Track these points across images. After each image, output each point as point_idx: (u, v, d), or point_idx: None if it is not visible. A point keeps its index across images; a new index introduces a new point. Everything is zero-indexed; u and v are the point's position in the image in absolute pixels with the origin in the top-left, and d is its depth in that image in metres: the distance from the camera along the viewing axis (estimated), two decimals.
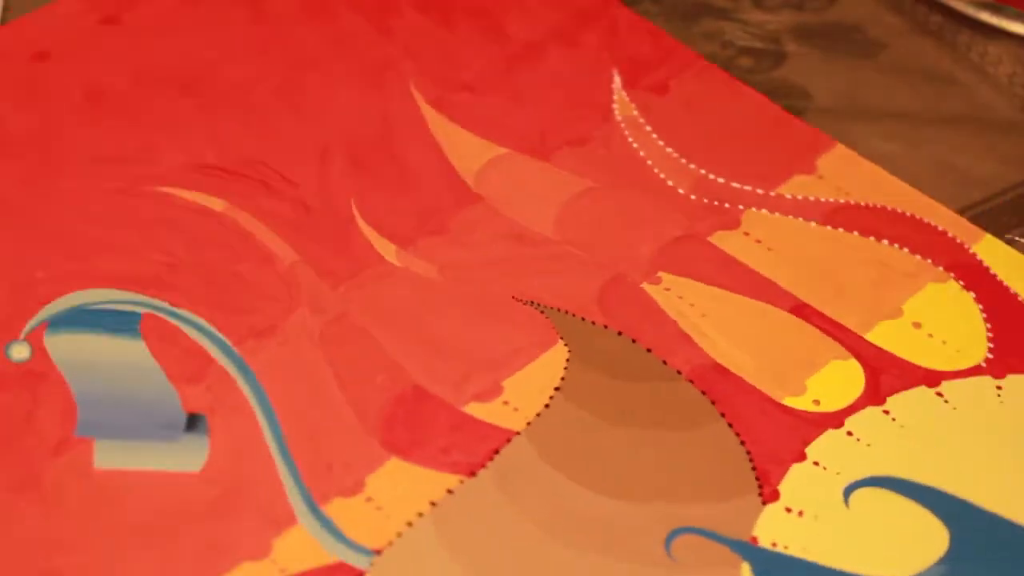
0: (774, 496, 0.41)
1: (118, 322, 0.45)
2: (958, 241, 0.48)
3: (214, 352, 0.44)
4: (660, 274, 0.47)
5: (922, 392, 0.44)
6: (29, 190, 0.48)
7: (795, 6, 0.56)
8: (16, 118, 0.50)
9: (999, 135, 0.52)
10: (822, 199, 0.49)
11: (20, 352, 0.44)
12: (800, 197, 0.49)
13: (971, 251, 0.47)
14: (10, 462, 0.41)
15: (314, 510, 0.41)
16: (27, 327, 0.44)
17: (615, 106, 0.52)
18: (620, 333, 0.45)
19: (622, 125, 0.52)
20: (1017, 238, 0.48)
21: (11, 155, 0.49)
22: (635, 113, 0.52)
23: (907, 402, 0.43)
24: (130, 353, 0.44)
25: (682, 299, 0.46)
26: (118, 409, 0.43)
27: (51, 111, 0.51)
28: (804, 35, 0.56)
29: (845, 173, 0.50)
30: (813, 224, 0.48)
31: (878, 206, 0.49)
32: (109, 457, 0.42)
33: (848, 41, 0.56)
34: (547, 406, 0.43)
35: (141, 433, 0.42)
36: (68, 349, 0.44)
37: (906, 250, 0.47)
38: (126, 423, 0.42)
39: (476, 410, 0.43)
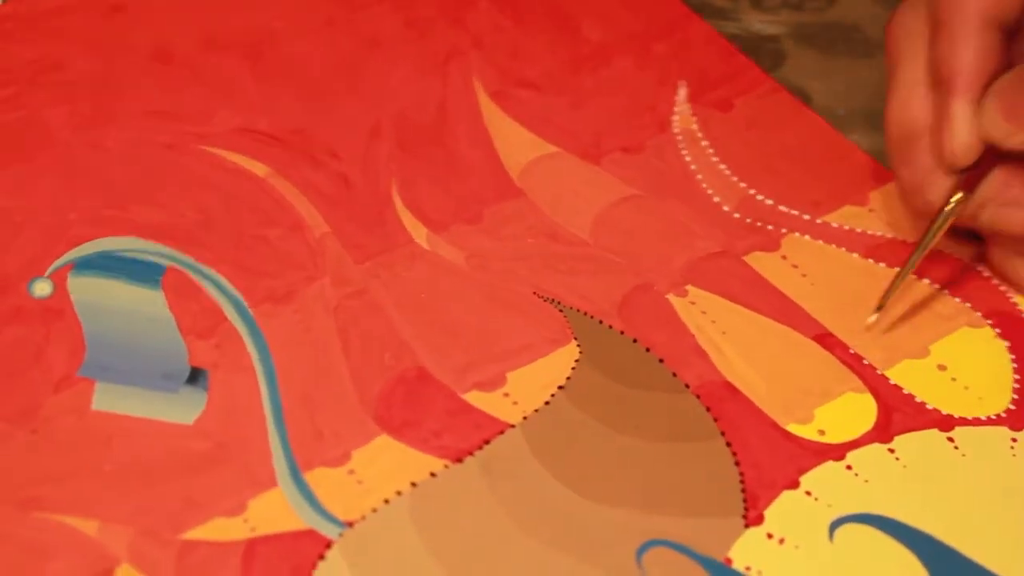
0: (758, 520, 0.40)
1: (141, 272, 0.45)
2: (1001, 289, 0.46)
3: (229, 311, 0.44)
4: (688, 287, 0.46)
5: (933, 435, 0.42)
6: (81, 135, 0.49)
7: (794, 6, 0.55)
8: (82, 64, 0.51)
9: None
10: (869, 232, 0.48)
11: (42, 289, 0.44)
12: (847, 227, 0.48)
13: (1013, 300, 0.46)
14: (12, 392, 0.42)
15: (295, 476, 0.41)
16: (53, 266, 0.45)
17: (675, 118, 0.52)
18: (635, 340, 0.44)
19: (679, 137, 0.51)
20: None
21: (71, 98, 0.50)
22: (694, 127, 0.51)
23: (915, 443, 0.42)
24: (147, 303, 0.44)
25: (705, 314, 0.45)
26: (125, 355, 0.43)
27: (116, 62, 0.52)
28: (803, 35, 0.54)
29: (898, 208, 0.48)
30: (855, 256, 0.47)
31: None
32: (107, 400, 0.42)
33: (848, 41, 0.55)
34: (547, 403, 0.43)
35: (142, 380, 0.42)
36: (89, 291, 0.44)
37: (946, 292, 0.46)
38: (130, 369, 0.43)
39: (475, 398, 0.43)
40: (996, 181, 0.44)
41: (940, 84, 0.44)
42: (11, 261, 0.45)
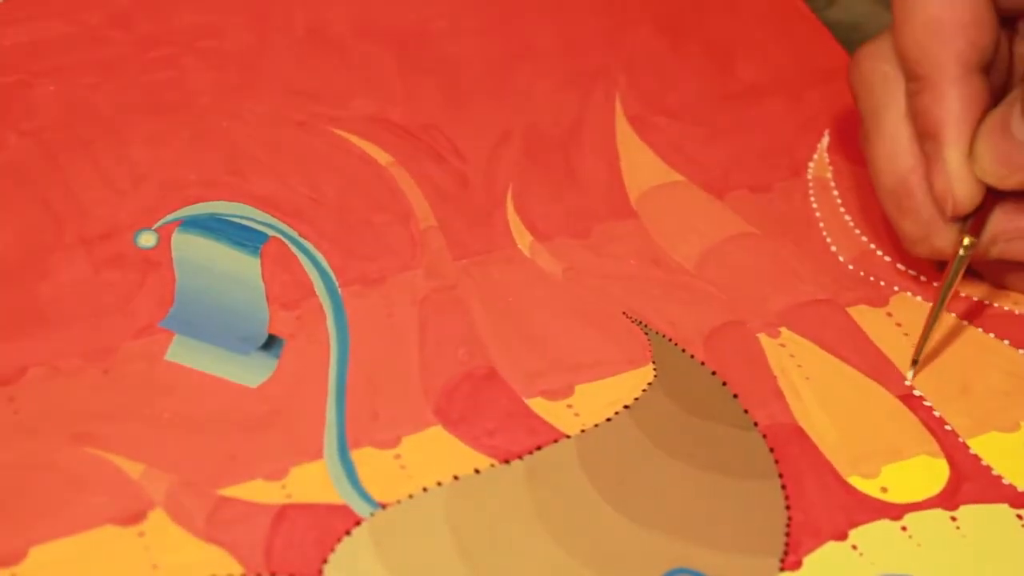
0: (795, 565, 0.38)
1: (244, 237, 0.46)
2: None
3: (318, 287, 0.45)
4: (781, 328, 0.45)
5: (1002, 510, 0.40)
6: (220, 102, 0.50)
7: None
8: (238, 35, 0.53)
9: None
10: (986, 302, 0.46)
11: (147, 240, 0.46)
12: (963, 295, 0.46)
13: None
14: (94, 331, 0.43)
15: (342, 451, 0.41)
16: (162, 220, 0.46)
17: (811, 164, 0.50)
18: (714, 373, 0.43)
19: (810, 184, 0.50)
20: None
21: (219, 66, 0.51)
22: (828, 175, 0.50)
23: (981, 515, 0.40)
24: (243, 267, 0.45)
25: (793, 357, 0.44)
26: (209, 313, 0.44)
27: (270, 37, 0.53)
28: None
29: None
30: (964, 323, 0.45)
31: None
32: (181, 352, 0.43)
33: (848, 41, 0.54)
34: (609, 420, 0.42)
35: (219, 339, 0.43)
36: (190, 248, 0.46)
37: None
38: (210, 327, 0.43)
39: (538, 405, 0.42)
40: (1001, 217, 0.43)
41: (928, 136, 0.43)
42: (125, 209, 0.46)
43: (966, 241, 0.43)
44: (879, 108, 0.45)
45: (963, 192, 0.43)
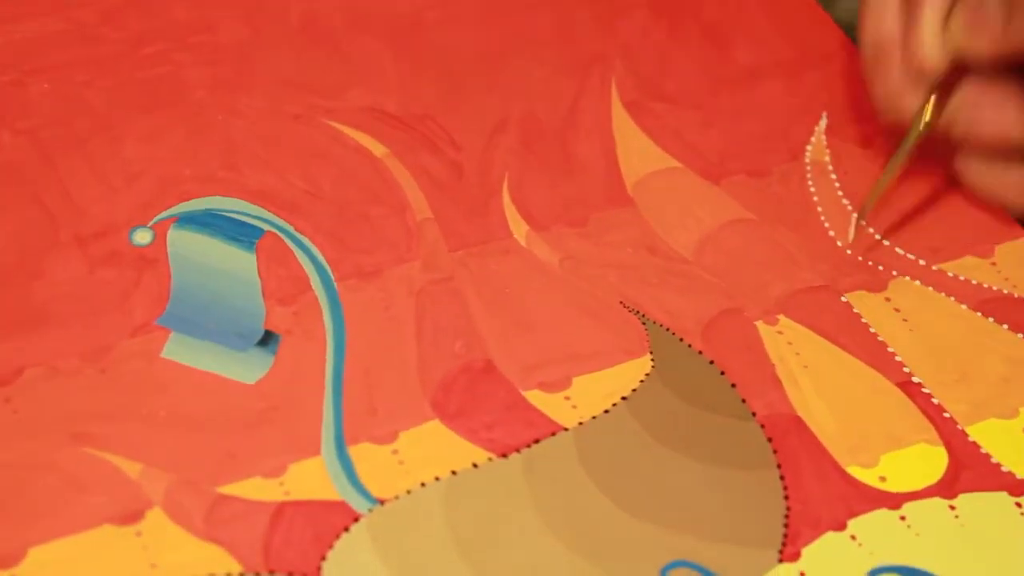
0: (794, 556, 0.38)
1: (240, 232, 0.46)
2: None
3: (314, 281, 0.45)
4: (779, 316, 0.45)
5: (1001, 498, 0.40)
6: (215, 96, 0.50)
7: None
8: (231, 30, 0.52)
9: None
10: (985, 285, 0.46)
11: (143, 237, 0.46)
12: (962, 278, 0.46)
13: None
14: (90, 330, 0.43)
15: (339, 448, 0.41)
16: (158, 217, 0.46)
17: (809, 147, 0.50)
18: (712, 362, 0.43)
19: (808, 167, 0.49)
20: None
21: (213, 61, 0.51)
22: (826, 159, 0.50)
23: (980, 503, 0.40)
24: (239, 263, 0.45)
25: (791, 345, 0.44)
26: (205, 310, 0.44)
27: (264, 31, 0.53)
28: None
29: (1021, 266, 0.46)
30: (963, 307, 0.45)
31: None
32: (177, 350, 0.43)
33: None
34: (607, 411, 0.42)
35: (215, 336, 0.43)
36: (186, 245, 0.45)
37: None
38: (206, 323, 0.43)
39: (535, 397, 0.42)
40: (967, 94, 0.44)
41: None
42: (120, 206, 0.46)
43: (928, 111, 0.45)
44: None
45: (931, 52, 0.44)
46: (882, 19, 0.46)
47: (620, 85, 0.52)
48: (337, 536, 0.39)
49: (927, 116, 0.44)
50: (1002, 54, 0.44)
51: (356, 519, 0.39)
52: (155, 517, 0.39)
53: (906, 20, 0.45)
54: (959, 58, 0.44)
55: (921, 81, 0.45)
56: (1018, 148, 0.45)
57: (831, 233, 0.47)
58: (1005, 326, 0.44)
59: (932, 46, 0.44)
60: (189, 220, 0.46)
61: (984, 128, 0.45)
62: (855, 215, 0.45)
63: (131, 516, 0.39)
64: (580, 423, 0.41)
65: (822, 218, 0.48)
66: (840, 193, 0.49)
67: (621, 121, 0.51)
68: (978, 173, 0.47)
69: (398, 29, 0.53)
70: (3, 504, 0.39)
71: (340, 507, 0.39)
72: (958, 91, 0.45)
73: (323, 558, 0.38)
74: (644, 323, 0.44)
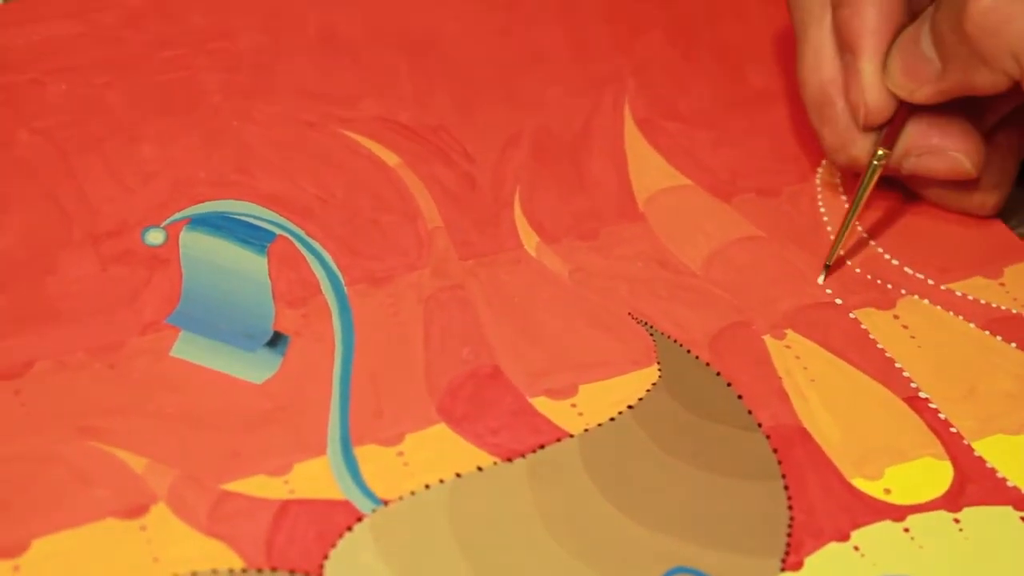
0: (796, 566, 0.38)
1: (252, 235, 0.46)
2: None
3: (324, 286, 0.45)
4: (787, 331, 0.45)
5: (1006, 512, 0.40)
6: (231, 102, 0.50)
7: None
8: (250, 37, 0.53)
9: None
10: (993, 304, 0.46)
11: (155, 237, 0.46)
12: (971, 297, 0.46)
13: None
14: (101, 327, 0.43)
15: (345, 448, 0.41)
16: (171, 218, 0.46)
17: (820, 169, 0.50)
18: (718, 374, 0.43)
19: (818, 188, 0.50)
20: None
21: (231, 67, 0.52)
22: (837, 181, 0.50)
23: (985, 517, 0.40)
24: (250, 265, 0.45)
25: (798, 359, 0.44)
26: (215, 310, 0.44)
27: (282, 39, 0.53)
28: None
29: None
30: (972, 326, 0.45)
31: None
32: (186, 349, 0.43)
33: None
34: (612, 419, 0.42)
35: (225, 336, 0.43)
36: (198, 247, 0.46)
37: None
38: (215, 323, 0.44)
39: (542, 404, 0.42)
40: (913, 132, 0.46)
41: (847, 48, 0.46)
42: (134, 207, 0.47)
43: (879, 152, 0.46)
44: (807, 21, 0.47)
45: (874, 102, 0.45)
46: (820, 67, 0.47)
47: (633, 104, 0.52)
48: (340, 535, 0.39)
49: (878, 160, 0.46)
50: (942, 95, 0.45)
51: (360, 519, 0.39)
52: (159, 512, 0.39)
53: (844, 66, 0.46)
54: (904, 101, 0.45)
55: (869, 128, 0.46)
56: (968, 178, 0.46)
57: (841, 252, 0.47)
58: (1013, 344, 0.44)
59: (875, 94, 0.45)
60: (202, 222, 0.46)
61: (933, 163, 0.46)
62: (825, 265, 0.46)
63: (136, 510, 0.39)
64: (586, 430, 0.42)
65: (832, 237, 0.48)
66: None
67: (633, 139, 0.51)
68: (939, 197, 0.48)
69: (415, 42, 0.54)
70: (9, 495, 0.39)
71: (344, 507, 0.39)
72: (905, 128, 0.46)
73: (326, 557, 0.38)
74: (652, 334, 0.44)
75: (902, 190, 0.49)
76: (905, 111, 0.46)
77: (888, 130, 0.46)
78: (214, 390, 0.42)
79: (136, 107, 0.50)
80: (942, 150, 0.46)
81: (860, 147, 0.46)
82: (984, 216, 0.48)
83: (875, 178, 0.46)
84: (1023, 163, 0.49)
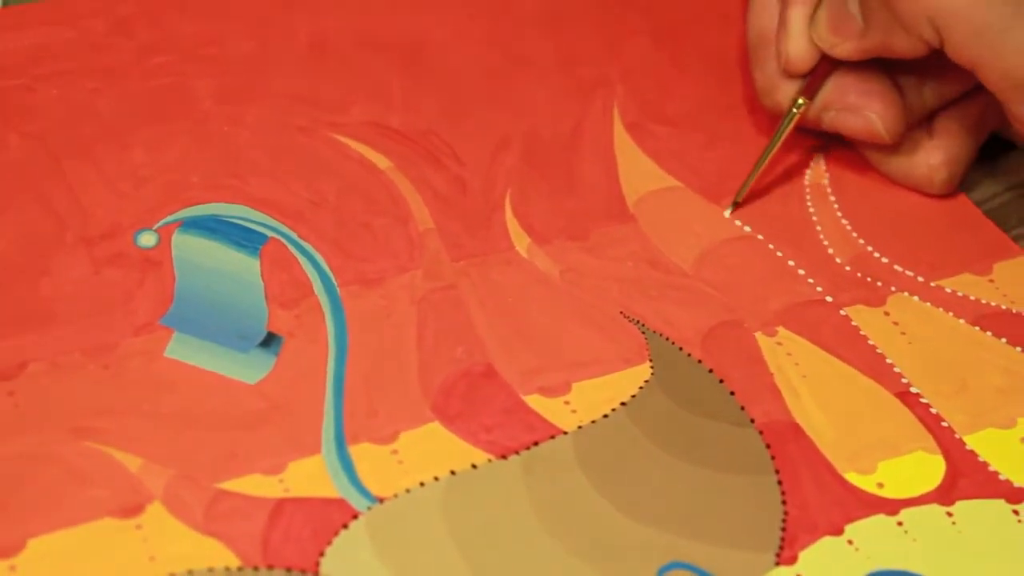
0: (791, 560, 0.38)
1: (244, 238, 0.46)
2: None
3: (317, 287, 0.45)
4: (778, 328, 0.45)
5: (998, 505, 0.40)
6: (222, 107, 0.51)
7: None
8: (239, 44, 0.53)
9: None
10: (983, 301, 0.46)
11: (148, 240, 0.46)
12: (960, 294, 0.46)
13: None
14: (95, 328, 0.43)
15: (340, 447, 0.41)
16: (163, 220, 0.47)
17: (808, 171, 0.51)
18: (711, 370, 0.43)
19: (807, 189, 0.50)
20: None
21: (221, 73, 0.52)
22: (825, 182, 0.50)
23: (977, 510, 0.40)
24: (242, 267, 0.45)
25: (790, 356, 0.44)
26: (208, 311, 0.44)
27: (272, 46, 0.53)
28: None
29: (1019, 283, 0.47)
30: (962, 322, 0.45)
31: None
32: (180, 350, 0.43)
33: None
34: (606, 416, 0.42)
35: (218, 337, 0.43)
36: (190, 249, 0.46)
37: None
38: (209, 324, 0.44)
39: (535, 402, 0.42)
40: (834, 88, 0.48)
41: None
42: (126, 210, 0.47)
43: (799, 100, 0.48)
44: None
45: (796, 51, 0.48)
46: (763, 13, 0.49)
47: (622, 108, 0.53)
48: (336, 533, 0.39)
49: (797, 108, 0.48)
50: (863, 53, 0.47)
51: (355, 516, 0.39)
52: (155, 511, 0.39)
53: (780, 15, 0.49)
54: (826, 54, 0.47)
55: (790, 75, 0.48)
56: (881, 142, 0.48)
57: (830, 251, 0.48)
58: (1003, 339, 0.45)
59: (798, 45, 0.48)
60: (194, 224, 0.47)
61: (849, 120, 0.48)
62: (734, 202, 0.49)
63: (132, 509, 0.39)
64: (579, 427, 0.42)
65: (821, 236, 0.48)
66: (839, 214, 0.49)
67: (623, 142, 0.51)
68: (884, 165, 0.50)
69: (404, 48, 0.54)
70: (4, 495, 0.39)
71: (339, 504, 0.40)
72: (828, 84, 0.48)
73: (321, 554, 0.38)
74: (644, 332, 0.45)
75: (890, 190, 0.50)
76: (828, 65, 0.48)
77: (810, 81, 0.48)
78: (208, 390, 0.42)
79: (127, 112, 0.50)
80: (858, 109, 0.48)
81: (784, 93, 0.49)
82: (934, 194, 0.50)
83: (791, 124, 0.48)
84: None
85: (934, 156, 0.49)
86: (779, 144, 0.48)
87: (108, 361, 0.42)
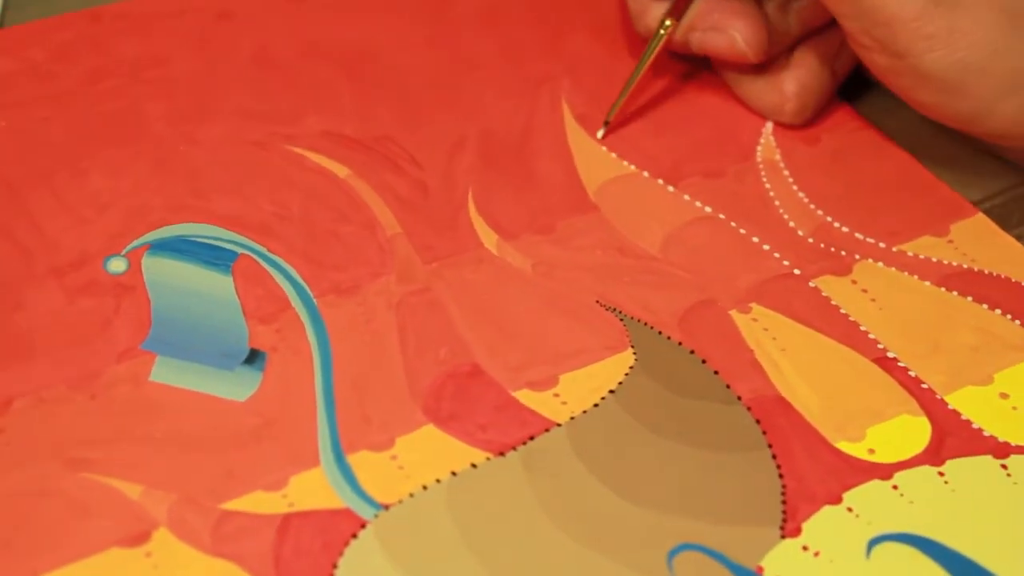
0: (795, 532, 0.39)
1: (214, 256, 0.46)
2: None
3: (293, 299, 0.45)
4: (752, 304, 0.46)
5: (986, 461, 0.41)
6: (175, 128, 0.50)
7: None
8: (185, 63, 0.53)
9: None
10: (945, 261, 0.47)
11: (117, 266, 0.46)
12: (922, 256, 0.48)
13: None
14: (77, 359, 0.43)
15: (338, 457, 0.41)
16: (131, 245, 0.46)
17: (759, 148, 0.52)
18: (693, 352, 0.44)
19: (760, 166, 0.51)
20: None
21: (170, 94, 0.52)
22: (777, 157, 0.51)
23: (967, 468, 0.41)
24: (216, 285, 0.45)
25: (767, 331, 0.45)
26: (188, 332, 0.44)
27: (218, 64, 0.53)
28: None
29: (977, 241, 0.48)
30: (927, 284, 0.47)
31: (1002, 276, 0.47)
32: (165, 373, 0.43)
33: None
34: (596, 405, 0.43)
35: (202, 357, 0.43)
36: (161, 271, 0.46)
37: (1017, 322, 0.45)
38: (191, 346, 0.44)
39: (525, 396, 0.43)
40: (700, 10, 0.50)
41: None
42: (93, 238, 0.46)
43: (666, 22, 0.50)
44: None
45: None
46: None
47: (570, 101, 0.53)
48: (346, 543, 0.39)
49: (664, 29, 0.50)
50: None
51: (363, 525, 0.39)
52: (162, 537, 0.39)
53: None
54: None
55: None
56: (744, 60, 0.50)
57: (791, 224, 0.49)
58: (969, 298, 0.46)
59: None
60: (162, 247, 0.46)
61: (713, 40, 0.50)
62: (604, 122, 0.51)
63: (138, 537, 0.39)
64: (572, 418, 0.42)
65: (780, 211, 0.49)
66: (795, 188, 0.50)
67: (575, 134, 0.52)
68: (732, 81, 0.52)
69: (350, 56, 0.54)
70: (9, 534, 0.39)
71: (346, 515, 0.40)
72: (693, 6, 0.50)
73: (334, 566, 0.39)
74: (622, 319, 0.45)
75: (841, 161, 0.51)
76: None
77: (677, 3, 0.50)
78: (200, 411, 0.42)
79: (80, 139, 0.50)
80: (722, 28, 0.50)
81: (652, 16, 0.51)
82: (784, 122, 0.52)
83: (659, 46, 0.51)
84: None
85: (788, 85, 0.51)
86: (648, 64, 0.51)
87: (94, 391, 0.42)
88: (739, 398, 0.43)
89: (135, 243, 0.46)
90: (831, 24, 0.51)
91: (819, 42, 0.51)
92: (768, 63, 0.51)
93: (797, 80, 0.51)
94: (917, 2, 0.44)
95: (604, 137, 0.51)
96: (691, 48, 0.51)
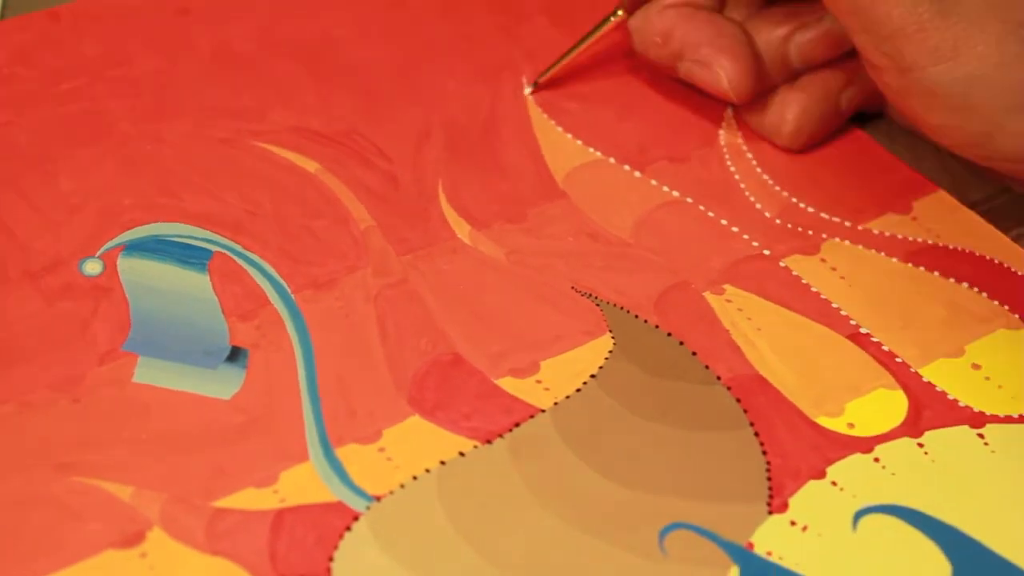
0: (782, 508, 0.40)
1: (189, 255, 0.46)
2: None
3: (271, 295, 0.45)
4: (725, 286, 0.46)
5: (963, 431, 0.42)
6: (140, 127, 0.50)
7: None
8: (146, 62, 0.53)
9: None
10: (910, 238, 0.48)
11: (93, 268, 0.46)
12: (888, 234, 0.48)
13: None
14: (58, 362, 0.43)
15: (327, 451, 0.41)
16: (105, 246, 0.46)
17: (721, 131, 0.52)
18: (670, 334, 0.45)
19: (724, 149, 0.52)
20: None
21: (133, 93, 0.52)
22: (739, 140, 0.52)
23: (945, 439, 0.42)
24: (193, 284, 0.45)
25: (741, 311, 0.46)
26: (168, 332, 0.44)
27: (179, 61, 0.53)
28: None
29: (940, 217, 0.49)
30: (894, 260, 0.48)
31: (966, 251, 0.48)
32: (148, 373, 0.43)
33: None
34: (578, 390, 0.43)
35: (184, 357, 0.43)
36: (137, 272, 0.46)
37: (984, 295, 0.46)
38: (172, 345, 0.44)
39: (508, 384, 0.43)
40: (691, 42, 0.51)
41: None
42: (66, 241, 0.46)
43: (618, 12, 0.52)
44: None
45: None
46: None
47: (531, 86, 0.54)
48: (340, 536, 0.39)
49: (614, 16, 0.52)
50: None
51: (356, 518, 0.40)
52: (156, 537, 0.39)
53: None
54: None
55: None
56: (727, 98, 0.51)
57: (758, 206, 0.49)
58: (936, 273, 0.47)
59: None
60: (136, 247, 0.46)
61: (699, 72, 0.51)
62: (534, 82, 0.54)
63: (132, 539, 0.39)
64: (555, 403, 0.43)
65: (746, 193, 0.50)
66: (759, 169, 0.51)
67: (540, 121, 0.52)
68: (686, 72, 0.52)
69: (310, 50, 0.54)
70: (2, 541, 0.39)
71: (338, 508, 0.40)
72: (684, 37, 0.51)
73: (330, 559, 0.39)
74: (598, 304, 0.46)
75: (807, 150, 0.52)
76: None
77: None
78: (185, 410, 0.42)
79: (45, 141, 0.49)
80: (709, 64, 0.50)
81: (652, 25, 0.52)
82: (780, 144, 0.52)
83: (602, 29, 0.53)
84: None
85: (790, 108, 0.51)
86: (584, 46, 0.53)
87: (78, 394, 0.42)
88: (719, 378, 0.43)
89: (109, 244, 0.46)
90: (840, 58, 0.51)
91: (828, 73, 0.51)
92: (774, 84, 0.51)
93: (799, 104, 0.51)
94: (922, 14, 0.44)
95: (532, 94, 0.53)
96: (679, 74, 0.51)
